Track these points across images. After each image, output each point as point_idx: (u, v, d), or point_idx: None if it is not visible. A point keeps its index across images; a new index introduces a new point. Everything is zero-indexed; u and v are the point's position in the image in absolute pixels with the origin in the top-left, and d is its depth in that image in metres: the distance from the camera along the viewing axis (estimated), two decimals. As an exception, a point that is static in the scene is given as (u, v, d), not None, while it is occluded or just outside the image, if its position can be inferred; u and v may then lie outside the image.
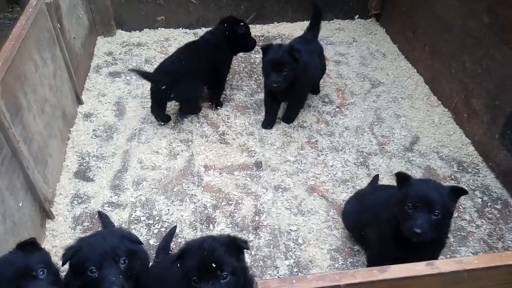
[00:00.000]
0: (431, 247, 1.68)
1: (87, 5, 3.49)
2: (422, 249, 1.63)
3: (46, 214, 2.22)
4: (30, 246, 1.50)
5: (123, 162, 2.62)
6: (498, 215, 2.36)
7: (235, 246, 1.46)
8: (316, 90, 3.18)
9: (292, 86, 2.66)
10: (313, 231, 2.26)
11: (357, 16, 4.04)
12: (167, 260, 1.81)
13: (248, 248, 1.51)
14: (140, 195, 2.42)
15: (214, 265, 1.36)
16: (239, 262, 1.45)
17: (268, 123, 2.89)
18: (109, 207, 2.36)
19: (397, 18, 3.61)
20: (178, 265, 1.46)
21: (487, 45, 2.54)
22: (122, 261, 1.48)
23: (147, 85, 3.20)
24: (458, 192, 1.63)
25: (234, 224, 2.28)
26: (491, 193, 2.48)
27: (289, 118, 2.93)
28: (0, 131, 1.82)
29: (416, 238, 1.57)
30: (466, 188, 2.48)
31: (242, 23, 2.98)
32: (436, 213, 1.58)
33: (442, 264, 1.13)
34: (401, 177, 1.72)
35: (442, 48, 2.98)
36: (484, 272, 1.15)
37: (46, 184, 2.25)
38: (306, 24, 3.91)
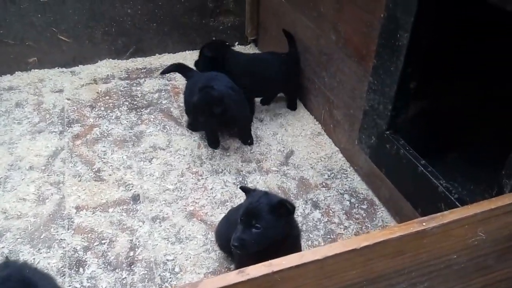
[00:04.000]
0: (284, 251, 1.75)
1: None
2: (275, 254, 1.70)
3: None
4: None
5: (-16, 215, 2.42)
6: (364, 215, 2.53)
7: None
8: None
9: None
10: (190, 257, 2.24)
11: (237, 43, 4.21)
12: None
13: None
14: (2, 247, 2.24)
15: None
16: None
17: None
18: (-35, 266, 2.15)
19: (269, 42, 3.83)
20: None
21: (337, 60, 2.78)
22: None
23: (15, 130, 3.05)
24: (281, 206, 1.76)
25: (107, 264, 2.19)
26: (358, 195, 2.66)
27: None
28: None
29: (235, 249, 1.65)
30: (336, 193, 2.66)
31: None
32: (257, 226, 1.70)
33: (252, 270, 1.17)
34: (244, 190, 1.81)
35: (306, 66, 3.20)
36: (294, 271, 1.21)
37: None
38: (188, 54, 4.06)
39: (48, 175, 2.69)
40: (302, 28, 3.18)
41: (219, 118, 2.67)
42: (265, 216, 1.72)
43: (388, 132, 2.36)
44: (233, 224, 2.06)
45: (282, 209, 1.75)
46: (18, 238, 2.30)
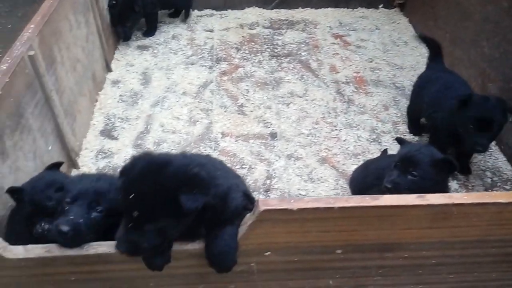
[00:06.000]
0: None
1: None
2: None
3: (72, 163, 2.39)
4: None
5: (146, 125, 2.77)
6: (507, 195, 2.38)
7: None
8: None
9: None
10: (321, 197, 2.35)
11: (381, 6, 4.08)
12: None
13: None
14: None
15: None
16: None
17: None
18: (130, 163, 2.51)
19: (420, 8, 3.65)
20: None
21: (505, 29, 2.57)
22: None
23: (172, 59, 3.38)
24: (446, 162, 1.72)
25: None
26: (502, 175, 2.50)
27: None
28: (36, 77, 1.99)
29: (387, 191, 1.68)
30: (477, 169, 2.54)
31: None
32: (414, 174, 1.70)
33: (432, 197, 1.21)
34: (400, 141, 1.84)
35: (462, 35, 3.02)
36: (473, 208, 1.21)
37: (73, 136, 2.42)
38: (329, 11, 4.06)
39: (198, 101, 2.97)
40: (466, -7, 2.98)
41: None
42: (424, 166, 1.71)
43: (557, 111, 2.16)
44: (370, 173, 2.10)
45: (446, 165, 1.72)
46: (172, 149, 2.60)
